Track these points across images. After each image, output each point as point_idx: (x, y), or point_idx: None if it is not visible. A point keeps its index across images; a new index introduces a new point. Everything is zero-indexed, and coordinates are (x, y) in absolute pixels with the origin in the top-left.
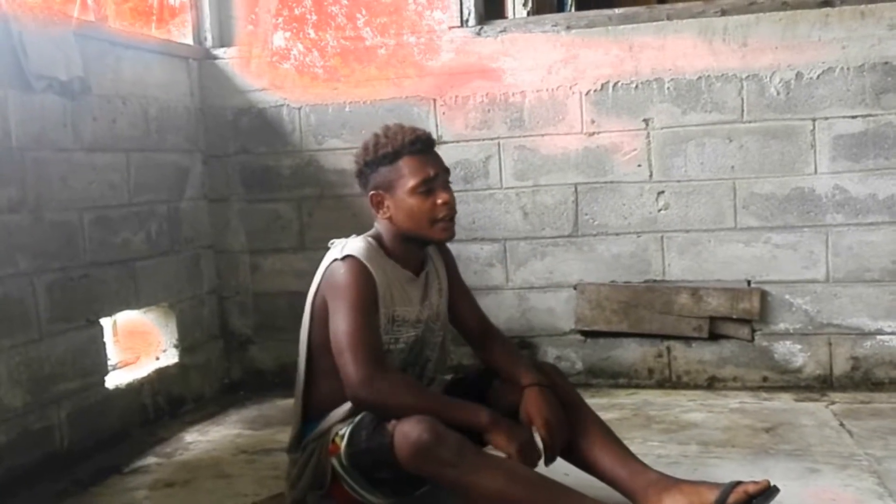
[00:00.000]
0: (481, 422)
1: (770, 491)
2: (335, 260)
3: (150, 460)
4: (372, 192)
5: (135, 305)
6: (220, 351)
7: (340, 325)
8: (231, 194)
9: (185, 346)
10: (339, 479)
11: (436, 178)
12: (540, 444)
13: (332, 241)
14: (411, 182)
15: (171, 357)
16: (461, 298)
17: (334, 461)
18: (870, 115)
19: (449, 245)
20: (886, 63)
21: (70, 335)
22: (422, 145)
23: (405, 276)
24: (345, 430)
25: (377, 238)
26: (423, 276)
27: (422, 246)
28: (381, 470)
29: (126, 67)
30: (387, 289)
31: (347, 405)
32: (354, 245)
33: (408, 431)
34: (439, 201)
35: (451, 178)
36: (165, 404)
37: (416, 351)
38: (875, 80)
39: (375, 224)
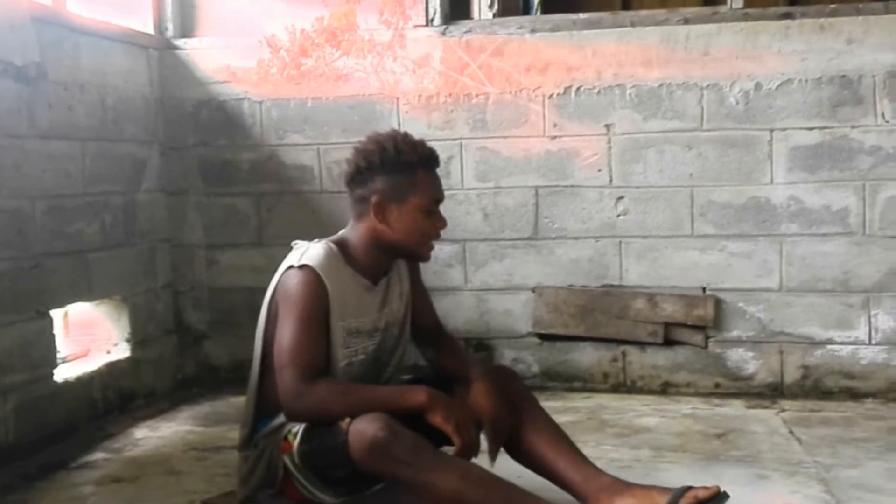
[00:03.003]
0: (419, 401)
1: (720, 496)
2: (291, 267)
3: (98, 456)
4: (377, 197)
5: (87, 298)
6: (174, 346)
7: (284, 337)
8: (189, 187)
9: (137, 340)
10: (291, 477)
11: (440, 203)
12: (483, 440)
13: (295, 242)
14: (424, 199)
15: (122, 351)
16: (419, 300)
17: (286, 459)
18: (826, 128)
19: None
20: (844, 76)
21: (19, 326)
22: (434, 166)
23: (363, 284)
24: (298, 429)
25: (341, 243)
26: (384, 282)
27: (395, 257)
28: (335, 468)
29: (84, 55)
30: (342, 300)
31: None
32: (313, 253)
33: (363, 429)
34: (439, 225)
35: None
36: (116, 399)
37: (377, 359)
38: (832, 92)
39: (349, 226)
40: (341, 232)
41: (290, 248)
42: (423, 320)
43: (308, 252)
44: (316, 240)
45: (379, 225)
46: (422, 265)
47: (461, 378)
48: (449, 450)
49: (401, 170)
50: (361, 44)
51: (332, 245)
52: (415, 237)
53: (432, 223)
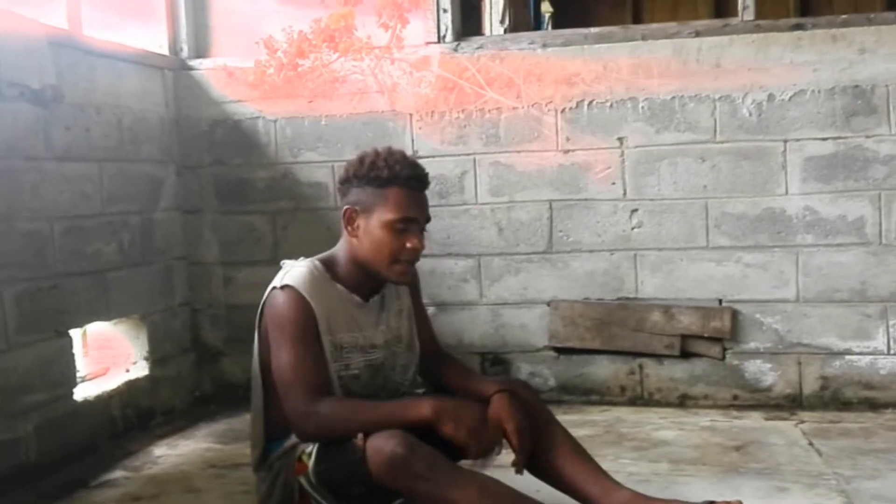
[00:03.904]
0: (425, 415)
1: None
2: (274, 288)
3: (118, 474)
4: (347, 207)
5: (105, 317)
6: (192, 364)
7: (282, 360)
8: (205, 206)
9: (155, 358)
10: (307, 497)
11: (414, 222)
12: (500, 449)
13: (283, 262)
14: (390, 215)
15: (141, 369)
16: (418, 319)
17: (302, 480)
18: (840, 138)
19: (423, 259)
20: (857, 86)
21: (39, 346)
22: (416, 183)
23: (352, 301)
24: (312, 449)
25: (328, 260)
26: (378, 299)
27: (373, 277)
28: (352, 486)
29: (100, 76)
30: (328, 317)
31: None
32: (295, 273)
33: (381, 446)
34: (408, 245)
35: (426, 193)
36: (135, 417)
37: (379, 376)
38: (845, 102)
39: (340, 241)
40: (333, 248)
41: (280, 268)
42: (421, 338)
43: (290, 272)
44: (301, 258)
45: (352, 239)
46: (435, 280)
47: (473, 394)
48: (466, 464)
49: (374, 183)
50: (359, 46)
51: (317, 262)
52: (381, 255)
53: (402, 242)
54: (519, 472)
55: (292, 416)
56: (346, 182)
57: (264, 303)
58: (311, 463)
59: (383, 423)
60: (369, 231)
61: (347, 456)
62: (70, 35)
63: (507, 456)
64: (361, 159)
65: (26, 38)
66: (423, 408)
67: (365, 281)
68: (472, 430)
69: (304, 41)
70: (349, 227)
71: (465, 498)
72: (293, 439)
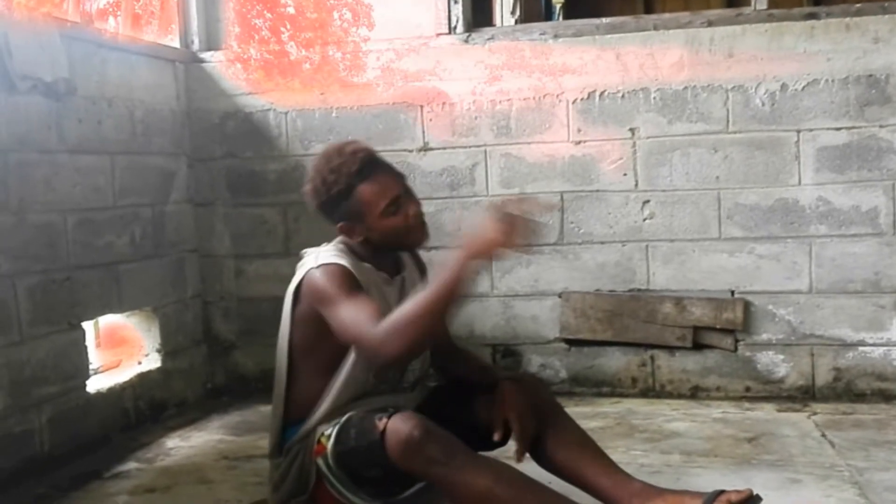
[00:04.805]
0: (459, 262)
1: (752, 499)
2: (311, 269)
3: (131, 465)
4: (341, 224)
5: (118, 309)
6: (204, 356)
7: (341, 318)
8: (216, 198)
9: (167, 350)
10: (323, 480)
11: (399, 195)
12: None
13: (304, 251)
14: (378, 207)
15: (153, 362)
16: None
17: (320, 462)
18: (854, 128)
19: (433, 251)
20: (871, 76)
21: (52, 338)
22: (371, 167)
23: (380, 277)
24: (331, 430)
25: (347, 244)
26: (399, 279)
27: (395, 250)
28: (369, 469)
29: (112, 69)
30: (367, 288)
31: (331, 407)
32: (328, 254)
33: (399, 428)
34: (410, 213)
35: (437, 185)
36: (147, 409)
37: None
38: (859, 92)
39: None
40: (340, 237)
41: (303, 258)
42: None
43: (322, 254)
44: (323, 244)
45: (361, 240)
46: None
47: (483, 383)
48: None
49: (340, 198)
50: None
51: (342, 245)
52: (397, 235)
53: (404, 215)
54: (518, 459)
55: (373, 359)
56: (322, 208)
57: (300, 286)
58: (330, 444)
59: (440, 297)
60: (372, 228)
61: (366, 437)
62: (82, 28)
63: (514, 447)
64: (315, 189)
65: (39, 32)
66: (455, 260)
67: (384, 259)
68: (506, 231)
69: (301, 36)
70: (353, 237)
71: (479, 483)
72: (312, 423)
